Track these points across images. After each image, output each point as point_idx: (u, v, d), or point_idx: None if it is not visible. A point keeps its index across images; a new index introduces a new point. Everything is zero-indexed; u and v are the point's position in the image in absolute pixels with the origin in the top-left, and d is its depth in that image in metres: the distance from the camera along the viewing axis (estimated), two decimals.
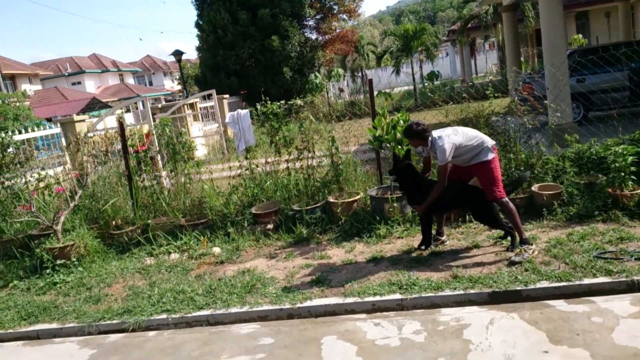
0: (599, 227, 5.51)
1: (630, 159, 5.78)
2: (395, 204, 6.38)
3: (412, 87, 25.47)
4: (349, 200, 6.78)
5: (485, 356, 3.73)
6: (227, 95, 20.60)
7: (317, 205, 6.91)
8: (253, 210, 7.22)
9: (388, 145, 6.52)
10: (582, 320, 3.99)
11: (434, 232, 5.77)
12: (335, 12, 29.88)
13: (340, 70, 28.38)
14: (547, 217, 6.03)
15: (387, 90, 23.86)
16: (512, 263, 4.97)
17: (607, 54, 10.22)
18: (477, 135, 5.26)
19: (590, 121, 10.37)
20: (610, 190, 5.92)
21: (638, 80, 10.07)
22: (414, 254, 5.60)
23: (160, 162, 9.09)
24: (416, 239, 6.05)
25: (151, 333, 5.05)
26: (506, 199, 5.18)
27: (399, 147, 6.40)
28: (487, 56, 43.61)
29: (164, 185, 8.39)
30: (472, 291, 4.63)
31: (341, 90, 28.08)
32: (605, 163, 6.26)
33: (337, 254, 5.99)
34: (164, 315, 5.16)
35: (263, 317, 4.94)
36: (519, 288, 4.54)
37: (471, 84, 25.43)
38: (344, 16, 31.23)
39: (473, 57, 36.22)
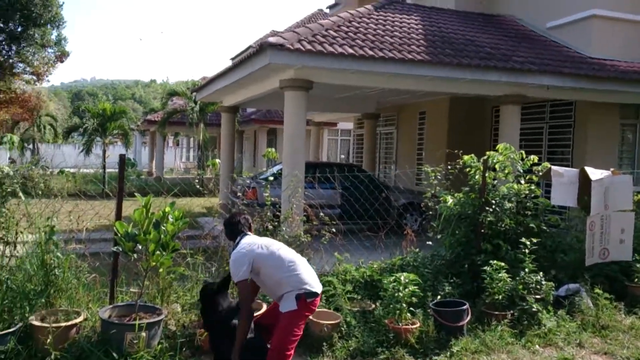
0: None
1: (411, 288, 5.39)
2: (143, 333, 4.47)
3: (100, 171, 22.75)
4: (67, 324, 4.52)
5: None
6: None
7: (10, 330, 4.39)
8: None
9: (142, 247, 4.68)
10: None
11: None
12: (18, 70, 25.31)
13: (15, 137, 23.50)
14: (326, 354, 5.06)
15: (72, 170, 20.56)
16: None
17: (328, 171, 10.68)
18: (292, 265, 3.97)
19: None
20: (388, 322, 5.37)
21: (348, 199, 10.63)
22: None
23: None
24: None
25: None
26: None
27: (160, 252, 4.64)
28: (176, 152, 43.84)
29: None
30: None
31: (13, 161, 23.13)
32: (378, 288, 5.81)
33: None
34: None
35: None
36: None
37: (160, 178, 24.36)
38: (28, 77, 26.72)
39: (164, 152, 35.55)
